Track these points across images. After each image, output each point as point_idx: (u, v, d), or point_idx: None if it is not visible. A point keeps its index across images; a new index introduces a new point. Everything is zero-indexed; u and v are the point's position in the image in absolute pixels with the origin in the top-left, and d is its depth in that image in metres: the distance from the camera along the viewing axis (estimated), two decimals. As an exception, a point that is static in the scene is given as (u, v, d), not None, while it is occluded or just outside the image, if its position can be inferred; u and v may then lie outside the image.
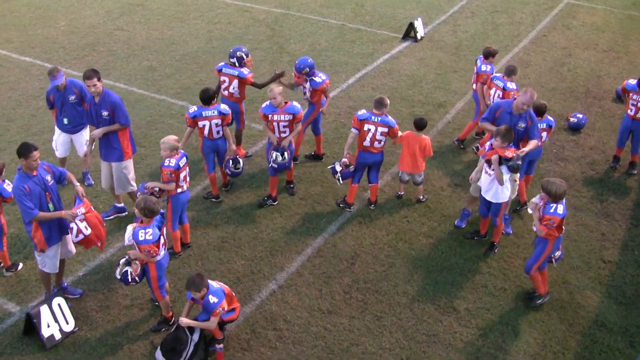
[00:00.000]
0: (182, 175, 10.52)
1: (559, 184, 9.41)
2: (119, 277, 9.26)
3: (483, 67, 13.74)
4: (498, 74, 13.31)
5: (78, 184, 9.98)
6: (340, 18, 21.56)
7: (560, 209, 9.43)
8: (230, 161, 11.99)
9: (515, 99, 11.23)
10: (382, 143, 11.77)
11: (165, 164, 10.35)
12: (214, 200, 12.57)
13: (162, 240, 9.18)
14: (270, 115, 11.73)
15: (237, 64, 12.94)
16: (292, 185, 12.79)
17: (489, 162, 10.52)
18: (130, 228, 9.21)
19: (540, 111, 11.70)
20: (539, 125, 11.46)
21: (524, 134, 11.11)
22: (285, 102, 11.74)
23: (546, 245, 9.69)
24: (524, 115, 11.03)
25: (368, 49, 19.28)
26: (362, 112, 11.68)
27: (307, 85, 12.87)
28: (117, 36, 19.91)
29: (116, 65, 17.95)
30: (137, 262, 9.25)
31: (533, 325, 9.89)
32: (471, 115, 15.42)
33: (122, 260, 9.28)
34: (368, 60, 18.54)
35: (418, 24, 19.85)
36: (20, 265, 10.82)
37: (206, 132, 11.90)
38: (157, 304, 9.95)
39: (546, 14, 22.23)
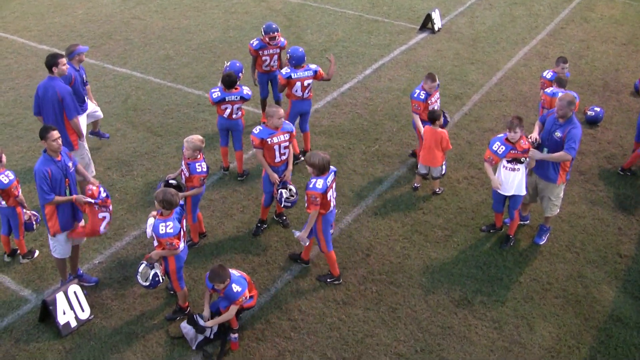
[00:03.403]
0: None
1: (322, 155, 9.51)
2: (147, 283, 9.13)
3: None
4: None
5: (90, 177, 10.05)
6: (357, 9, 21.51)
7: (320, 183, 9.49)
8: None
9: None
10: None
11: (198, 170, 10.23)
12: (225, 172, 12.97)
13: (182, 233, 9.19)
14: (269, 139, 10.71)
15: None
16: (284, 217, 11.81)
17: (512, 160, 10.44)
18: (151, 220, 9.21)
19: (560, 84, 12.36)
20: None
21: (559, 145, 10.36)
22: None
23: (315, 223, 9.85)
24: (564, 125, 10.36)
25: (385, 40, 19.22)
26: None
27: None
28: (133, 25, 19.96)
29: (132, 54, 17.99)
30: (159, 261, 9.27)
31: (548, 319, 9.86)
32: (487, 107, 15.40)
33: (142, 267, 9.15)
34: (385, 51, 18.49)
35: (435, 16, 19.77)
36: (37, 253, 10.89)
37: (226, 114, 12.19)
38: (172, 292, 9.98)
39: (564, 7, 22.07)
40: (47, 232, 9.64)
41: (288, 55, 12.75)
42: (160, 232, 8.91)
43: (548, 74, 13.20)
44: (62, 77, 11.41)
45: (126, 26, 19.84)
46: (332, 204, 9.95)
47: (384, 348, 9.35)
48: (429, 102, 12.31)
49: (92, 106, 12.94)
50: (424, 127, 12.13)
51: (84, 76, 12.64)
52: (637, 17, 21.35)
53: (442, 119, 12.00)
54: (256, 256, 10.96)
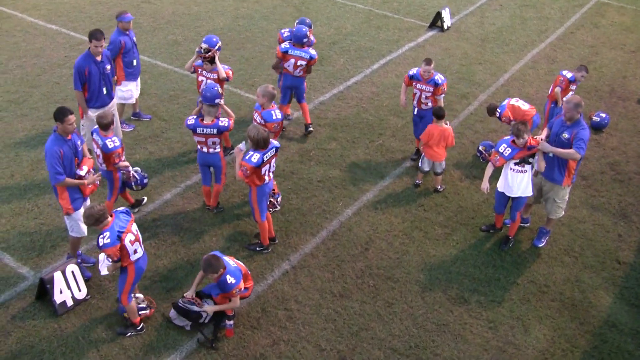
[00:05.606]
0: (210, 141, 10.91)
1: (260, 129, 9.84)
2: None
3: None
4: None
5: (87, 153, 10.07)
6: (367, 3, 21.46)
7: (256, 157, 9.81)
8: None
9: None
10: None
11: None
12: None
13: (119, 245, 8.54)
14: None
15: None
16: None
17: (520, 162, 10.46)
18: (101, 256, 8.89)
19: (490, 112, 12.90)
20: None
21: (566, 147, 10.29)
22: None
23: (250, 193, 10.26)
24: (571, 127, 10.33)
25: (394, 35, 19.20)
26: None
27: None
28: (143, 9, 19.93)
29: (141, 38, 17.94)
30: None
31: (543, 322, 9.86)
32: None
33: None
34: (393, 47, 18.46)
35: (445, 14, 19.74)
36: (145, 199, 11.70)
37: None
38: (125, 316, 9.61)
39: (575, 11, 22.02)
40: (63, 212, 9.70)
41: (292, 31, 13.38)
42: (100, 244, 8.46)
43: (568, 74, 13.38)
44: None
45: (136, 10, 19.79)
46: (266, 178, 10.21)
47: (378, 342, 9.36)
48: (414, 84, 12.77)
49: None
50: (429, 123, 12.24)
51: (134, 38, 13.39)
52: (647, 25, 21.33)
53: (444, 116, 12.05)
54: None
